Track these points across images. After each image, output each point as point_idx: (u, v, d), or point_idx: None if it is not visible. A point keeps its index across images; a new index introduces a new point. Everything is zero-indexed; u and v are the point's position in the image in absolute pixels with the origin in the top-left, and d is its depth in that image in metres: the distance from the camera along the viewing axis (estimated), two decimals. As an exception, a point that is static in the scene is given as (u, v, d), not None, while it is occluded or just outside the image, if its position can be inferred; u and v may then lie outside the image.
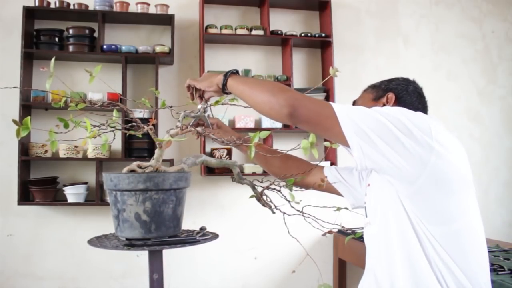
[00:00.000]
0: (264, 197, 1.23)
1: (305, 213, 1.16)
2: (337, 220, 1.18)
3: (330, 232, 1.22)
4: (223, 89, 1.16)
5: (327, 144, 1.21)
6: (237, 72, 1.18)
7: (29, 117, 1.03)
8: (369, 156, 0.95)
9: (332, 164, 2.99)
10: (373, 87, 1.29)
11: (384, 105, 1.22)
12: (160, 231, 1.19)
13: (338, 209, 1.17)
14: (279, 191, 1.18)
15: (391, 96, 1.22)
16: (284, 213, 1.16)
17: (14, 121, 1.02)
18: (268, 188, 1.20)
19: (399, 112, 0.98)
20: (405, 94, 1.22)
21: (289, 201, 1.13)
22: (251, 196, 1.25)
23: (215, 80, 1.17)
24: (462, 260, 0.98)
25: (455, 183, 0.99)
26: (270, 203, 1.22)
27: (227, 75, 1.15)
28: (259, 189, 1.24)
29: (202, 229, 1.34)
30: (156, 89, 2.75)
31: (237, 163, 1.33)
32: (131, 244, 1.15)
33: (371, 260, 1.15)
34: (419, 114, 1.03)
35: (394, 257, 1.03)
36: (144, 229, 1.17)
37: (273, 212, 1.23)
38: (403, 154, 0.94)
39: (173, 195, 1.20)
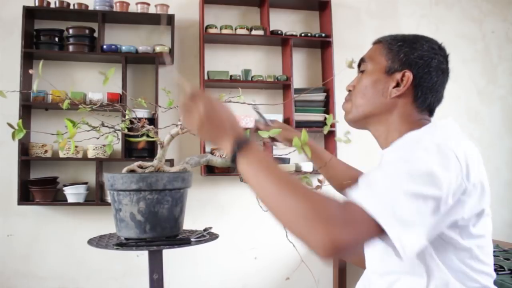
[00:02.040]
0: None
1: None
2: None
3: None
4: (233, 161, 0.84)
5: (338, 139, 1.21)
6: (249, 140, 0.82)
7: (20, 120, 1.04)
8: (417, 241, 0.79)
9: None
10: (390, 50, 1.03)
11: (397, 84, 1.00)
12: (156, 232, 1.19)
13: None
14: None
15: (408, 76, 0.98)
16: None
17: (9, 124, 1.02)
18: None
19: (432, 182, 0.79)
20: (426, 73, 0.99)
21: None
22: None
23: (222, 143, 0.84)
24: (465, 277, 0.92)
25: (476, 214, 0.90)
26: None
27: (238, 147, 0.81)
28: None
29: (206, 229, 1.34)
30: (156, 89, 2.75)
31: None
32: (120, 244, 1.15)
33: (369, 267, 1.10)
34: (451, 169, 0.82)
35: (394, 269, 0.96)
36: (139, 229, 1.17)
37: None
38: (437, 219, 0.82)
39: (168, 195, 1.20)
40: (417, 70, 0.99)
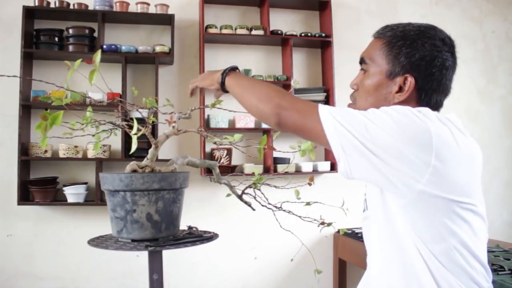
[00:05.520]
0: (244, 196, 1.29)
1: (290, 212, 1.25)
2: (311, 215, 1.27)
3: (322, 223, 1.26)
4: (222, 88, 1.14)
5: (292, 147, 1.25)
6: (237, 68, 1.15)
7: (61, 112, 1.01)
8: (355, 169, 0.88)
9: (332, 164, 2.99)
10: (390, 51, 1.01)
11: (400, 89, 0.97)
12: (169, 231, 1.20)
13: (308, 203, 1.25)
14: (259, 189, 1.25)
15: (410, 81, 0.96)
16: (275, 209, 1.22)
17: (46, 112, 1.01)
18: (250, 187, 1.27)
19: (394, 123, 0.86)
20: (429, 75, 0.97)
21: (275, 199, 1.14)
22: (228, 195, 1.32)
23: (215, 78, 1.15)
24: (462, 275, 0.92)
25: (450, 200, 0.89)
26: (252, 200, 1.29)
27: (225, 73, 1.12)
28: (255, 189, 1.31)
29: (190, 227, 1.36)
30: (156, 88, 2.75)
31: (217, 164, 1.38)
32: (155, 244, 1.15)
33: (369, 259, 1.11)
34: (422, 120, 0.86)
35: (389, 258, 0.97)
36: (155, 229, 1.17)
37: (253, 209, 1.30)
38: (391, 172, 0.86)
39: (180, 194, 1.22)
40: (419, 73, 0.97)
